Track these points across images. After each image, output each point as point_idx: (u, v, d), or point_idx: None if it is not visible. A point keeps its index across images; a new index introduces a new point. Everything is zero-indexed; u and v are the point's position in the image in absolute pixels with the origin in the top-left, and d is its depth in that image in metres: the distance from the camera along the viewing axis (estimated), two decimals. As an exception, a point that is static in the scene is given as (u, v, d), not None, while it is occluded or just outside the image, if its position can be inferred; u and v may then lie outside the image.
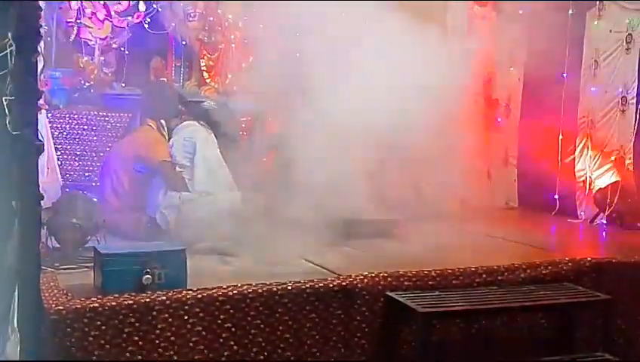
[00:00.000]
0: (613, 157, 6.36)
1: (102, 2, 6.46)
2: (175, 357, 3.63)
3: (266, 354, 3.83)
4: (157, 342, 3.59)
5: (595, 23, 6.60)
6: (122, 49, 6.68)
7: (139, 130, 5.59)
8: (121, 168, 5.42)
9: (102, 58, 6.58)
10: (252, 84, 5.93)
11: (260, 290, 3.83)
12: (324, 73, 5.35)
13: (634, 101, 6.21)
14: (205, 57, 6.97)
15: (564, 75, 6.79)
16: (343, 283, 4.04)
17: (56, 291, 3.65)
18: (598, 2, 6.56)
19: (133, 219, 5.23)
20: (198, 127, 5.58)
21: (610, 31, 6.43)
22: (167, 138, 5.56)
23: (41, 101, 5.31)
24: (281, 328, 3.87)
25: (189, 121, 5.69)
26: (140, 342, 3.56)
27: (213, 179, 5.41)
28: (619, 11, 6.36)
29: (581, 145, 6.74)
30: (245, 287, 3.82)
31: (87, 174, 6.02)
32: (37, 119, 3.39)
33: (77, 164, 6.15)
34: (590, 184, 6.58)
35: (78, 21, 6.38)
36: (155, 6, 6.67)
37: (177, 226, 5.09)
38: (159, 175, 5.34)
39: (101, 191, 5.49)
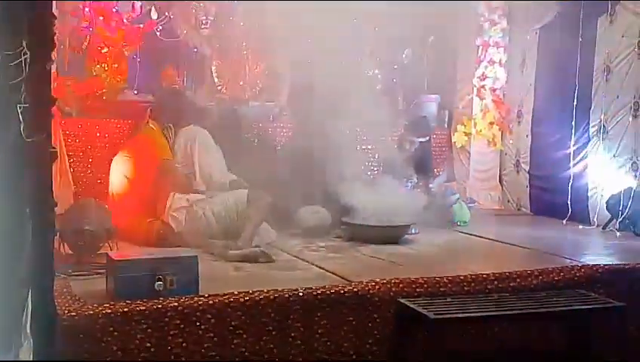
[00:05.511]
0: (626, 163, 6.32)
1: (114, 10, 6.49)
2: (187, 363, 3.64)
3: (277, 360, 3.83)
4: (169, 347, 3.61)
5: (607, 27, 6.57)
6: (134, 56, 6.72)
7: (140, 133, 5.66)
8: (127, 171, 5.46)
9: (114, 65, 6.60)
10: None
11: (271, 296, 3.83)
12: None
13: (646, 106, 6.19)
14: (217, 64, 6.99)
15: (576, 80, 6.76)
16: (355, 290, 4.03)
17: (69, 297, 3.68)
18: (609, 7, 6.52)
19: (146, 223, 5.25)
20: (198, 129, 5.65)
21: (623, 36, 6.39)
22: (170, 140, 5.62)
23: (54, 108, 5.35)
24: (292, 334, 3.87)
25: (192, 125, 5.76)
26: (152, 349, 3.57)
27: (208, 180, 5.48)
28: (631, 16, 6.32)
29: (593, 151, 6.70)
30: (257, 293, 3.82)
31: (99, 181, 6.04)
32: (51, 126, 3.41)
33: (89, 171, 6.18)
34: (603, 190, 6.54)
35: (91, 29, 6.41)
36: (167, 14, 6.70)
37: (189, 227, 5.13)
38: (162, 176, 5.37)
39: (110, 197, 5.53)
